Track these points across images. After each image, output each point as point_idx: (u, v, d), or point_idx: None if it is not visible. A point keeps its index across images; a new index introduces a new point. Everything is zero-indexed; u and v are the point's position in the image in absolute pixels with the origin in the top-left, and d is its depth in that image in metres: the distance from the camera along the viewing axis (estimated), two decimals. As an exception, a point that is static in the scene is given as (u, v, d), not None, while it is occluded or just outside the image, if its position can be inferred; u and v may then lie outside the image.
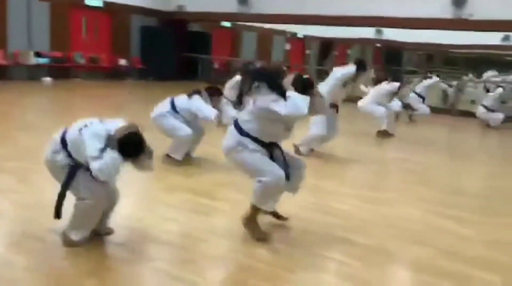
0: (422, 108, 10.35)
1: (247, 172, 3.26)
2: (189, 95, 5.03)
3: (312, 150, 6.00)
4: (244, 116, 3.16)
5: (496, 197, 4.92)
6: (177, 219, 3.57)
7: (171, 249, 3.09)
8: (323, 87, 5.71)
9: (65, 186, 2.84)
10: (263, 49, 21.78)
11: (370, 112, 7.94)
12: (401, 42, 23.61)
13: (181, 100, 5.04)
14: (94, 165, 2.64)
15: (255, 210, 3.24)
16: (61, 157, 2.82)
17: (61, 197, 2.86)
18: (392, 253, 3.25)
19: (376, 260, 3.10)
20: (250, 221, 3.25)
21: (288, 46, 23.92)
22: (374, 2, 11.75)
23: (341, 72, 5.72)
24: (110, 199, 2.97)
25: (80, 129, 2.76)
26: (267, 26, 19.14)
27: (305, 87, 3.09)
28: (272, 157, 3.21)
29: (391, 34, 20.65)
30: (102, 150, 2.65)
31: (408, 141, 7.94)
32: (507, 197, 5.00)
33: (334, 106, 5.76)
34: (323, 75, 25.14)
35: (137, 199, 3.96)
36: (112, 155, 2.65)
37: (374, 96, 7.99)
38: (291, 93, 3.01)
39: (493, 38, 18.01)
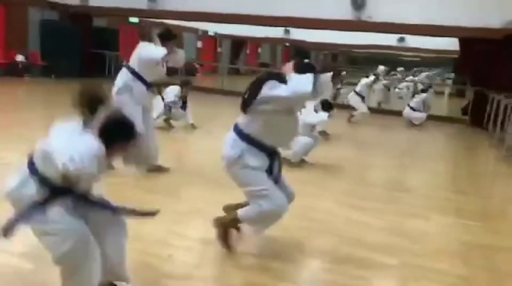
0: (362, 107, 10.32)
1: (246, 193, 2.95)
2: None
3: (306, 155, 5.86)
4: (244, 118, 2.87)
5: (399, 188, 5.32)
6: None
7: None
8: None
9: (25, 215, 2.08)
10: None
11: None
12: (308, 42, 24.59)
13: (132, 57, 4.65)
14: (63, 156, 1.91)
15: (236, 222, 3.01)
16: (31, 187, 2.10)
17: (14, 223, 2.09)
18: (301, 244, 3.38)
19: (286, 251, 3.20)
20: (223, 229, 3.05)
21: (199, 44, 23.81)
22: (281, 2, 12.09)
23: (313, 119, 5.78)
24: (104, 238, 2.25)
25: (46, 140, 2.10)
26: (178, 23, 18.86)
27: (306, 70, 2.76)
28: (271, 172, 2.93)
29: (298, 34, 21.43)
30: (75, 138, 2.00)
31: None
32: (408, 187, 5.42)
33: None
34: (234, 73, 25.24)
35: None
36: (88, 143, 1.97)
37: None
38: (292, 76, 2.72)
39: (390, 39, 19.47)
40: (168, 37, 4.65)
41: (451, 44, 14.68)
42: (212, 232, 3.48)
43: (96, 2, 14.30)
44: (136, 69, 4.64)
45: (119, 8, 14.02)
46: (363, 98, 10.36)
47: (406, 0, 11.23)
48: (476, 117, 11.42)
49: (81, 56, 14.56)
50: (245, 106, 2.81)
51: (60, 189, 2.10)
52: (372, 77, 10.87)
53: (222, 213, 3.87)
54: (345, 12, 11.66)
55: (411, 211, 4.40)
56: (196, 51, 23.35)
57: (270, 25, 15.45)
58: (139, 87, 4.66)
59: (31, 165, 2.13)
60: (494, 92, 9.99)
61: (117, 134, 2.09)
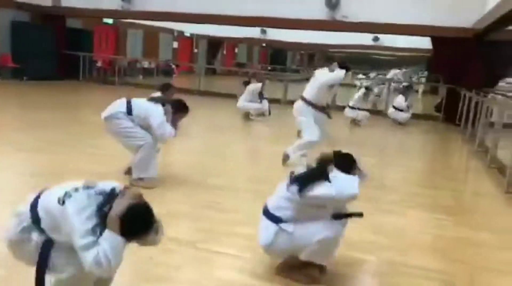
0: (361, 113, 10.41)
1: (301, 251, 2.76)
2: (150, 100, 4.48)
3: (304, 155, 5.68)
4: (277, 201, 2.78)
5: (376, 185, 5.35)
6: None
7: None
8: (309, 91, 5.66)
9: (41, 272, 2.09)
10: (150, 47, 21.27)
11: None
12: (285, 42, 24.71)
13: (140, 104, 4.42)
14: (88, 257, 1.90)
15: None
16: (34, 236, 2.07)
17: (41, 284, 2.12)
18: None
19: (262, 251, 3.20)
20: (292, 270, 2.88)
21: (176, 45, 23.65)
22: (256, 2, 12.12)
23: (328, 77, 5.55)
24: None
25: (62, 200, 1.98)
26: (153, 23, 18.69)
27: (349, 165, 2.74)
28: None
29: (275, 34, 21.54)
30: (95, 231, 1.94)
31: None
32: (385, 184, 5.47)
33: (323, 109, 5.70)
34: (211, 73, 25.17)
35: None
36: (111, 240, 1.94)
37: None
38: (336, 174, 2.68)
39: (365, 38, 19.75)
40: (183, 110, 4.51)
41: (424, 43, 14.98)
42: (191, 233, 3.47)
43: (69, 3, 14.06)
44: (133, 115, 4.39)
45: (92, 9, 13.82)
46: (358, 109, 10.46)
47: (380, 0, 11.41)
48: (449, 114, 11.69)
49: (54, 57, 14.29)
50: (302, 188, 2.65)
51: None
52: (363, 90, 10.99)
53: (200, 214, 3.86)
54: (320, 12, 11.78)
55: (388, 208, 4.47)
56: (172, 52, 23.21)
57: (246, 25, 15.48)
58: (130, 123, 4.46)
59: (35, 215, 2.06)
60: (465, 90, 10.24)
61: (137, 229, 2.04)
